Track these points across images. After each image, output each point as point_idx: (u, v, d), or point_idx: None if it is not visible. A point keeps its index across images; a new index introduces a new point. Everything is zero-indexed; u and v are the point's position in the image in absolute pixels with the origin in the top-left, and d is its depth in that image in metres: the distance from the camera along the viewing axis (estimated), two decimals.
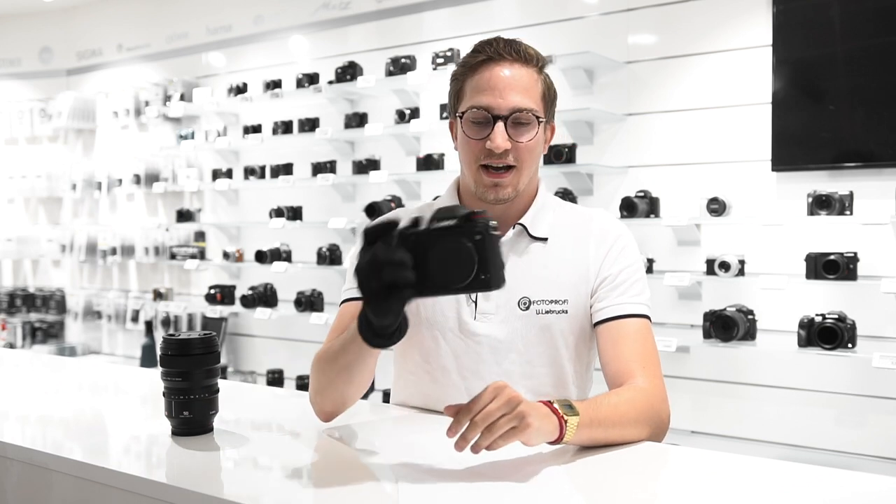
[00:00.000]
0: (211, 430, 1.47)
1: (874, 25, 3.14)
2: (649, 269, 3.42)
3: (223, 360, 4.97)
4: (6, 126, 6.18)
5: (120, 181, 5.61)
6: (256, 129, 4.80)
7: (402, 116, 4.17)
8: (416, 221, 1.20)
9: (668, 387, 1.53)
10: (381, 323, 1.22)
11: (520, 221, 1.61)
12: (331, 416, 1.51)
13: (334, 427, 1.51)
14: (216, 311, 4.77)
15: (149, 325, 5.28)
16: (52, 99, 6.03)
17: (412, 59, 4.16)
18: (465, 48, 1.61)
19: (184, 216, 5.15)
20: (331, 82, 4.37)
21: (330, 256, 4.31)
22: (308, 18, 4.80)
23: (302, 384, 4.29)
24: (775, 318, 3.32)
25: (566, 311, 1.57)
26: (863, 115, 3.18)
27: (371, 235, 1.20)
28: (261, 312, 4.43)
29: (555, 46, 3.67)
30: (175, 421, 1.44)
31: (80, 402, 1.84)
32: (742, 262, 3.25)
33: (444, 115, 3.92)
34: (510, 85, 1.51)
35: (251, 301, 4.48)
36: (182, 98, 5.17)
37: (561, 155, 3.61)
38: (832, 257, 3.03)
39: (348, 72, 4.32)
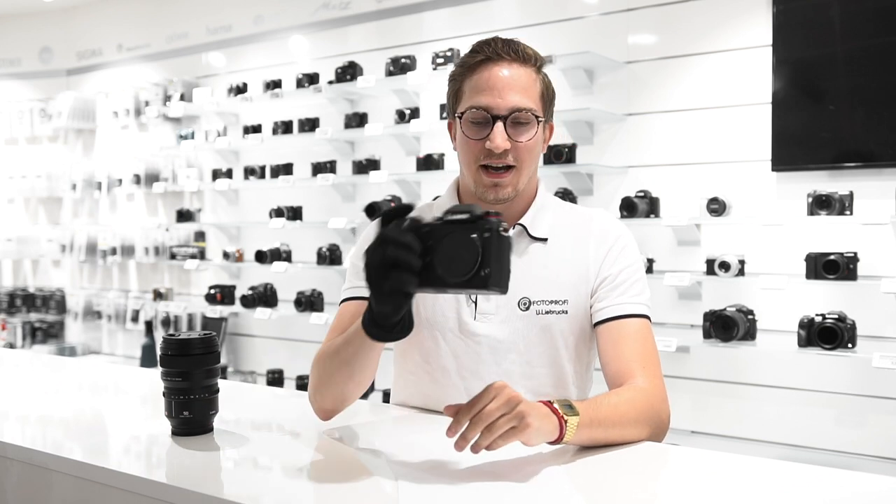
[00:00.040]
0: (211, 430, 1.47)
1: (874, 25, 3.14)
2: (649, 269, 3.42)
3: (223, 360, 4.98)
4: (6, 126, 6.18)
5: (120, 181, 5.61)
6: (256, 129, 4.81)
7: (402, 116, 4.17)
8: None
9: (668, 387, 1.53)
10: (380, 309, 1.22)
11: (519, 222, 1.61)
12: (330, 415, 1.51)
13: (334, 427, 1.51)
14: (216, 311, 4.77)
15: (149, 325, 5.28)
16: (52, 99, 6.03)
17: (412, 59, 4.16)
18: (465, 48, 1.60)
19: (184, 216, 5.15)
20: (331, 82, 4.37)
21: (330, 256, 4.31)
22: (308, 18, 4.80)
23: (302, 384, 4.29)
24: (775, 318, 3.32)
25: (566, 312, 1.57)
26: (863, 115, 3.18)
27: (387, 217, 1.22)
28: (261, 312, 4.44)
29: (555, 46, 3.67)
30: (175, 421, 1.44)
31: (80, 402, 1.84)
32: (742, 262, 3.25)
33: (444, 115, 3.92)
34: (509, 85, 1.51)
35: (251, 301, 4.48)
36: (182, 98, 5.17)
37: (561, 155, 3.62)
38: (832, 257, 3.03)
39: (348, 72, 4.32)
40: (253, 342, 5.07)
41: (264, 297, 4.50)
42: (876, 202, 3.08)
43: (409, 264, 1.17)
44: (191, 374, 1.41)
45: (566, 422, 1.27)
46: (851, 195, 3.05)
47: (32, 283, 6.35)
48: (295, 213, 4.55)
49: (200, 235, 5.27)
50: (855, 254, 3.02)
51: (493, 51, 1.52)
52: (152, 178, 5.41)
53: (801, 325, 3.01)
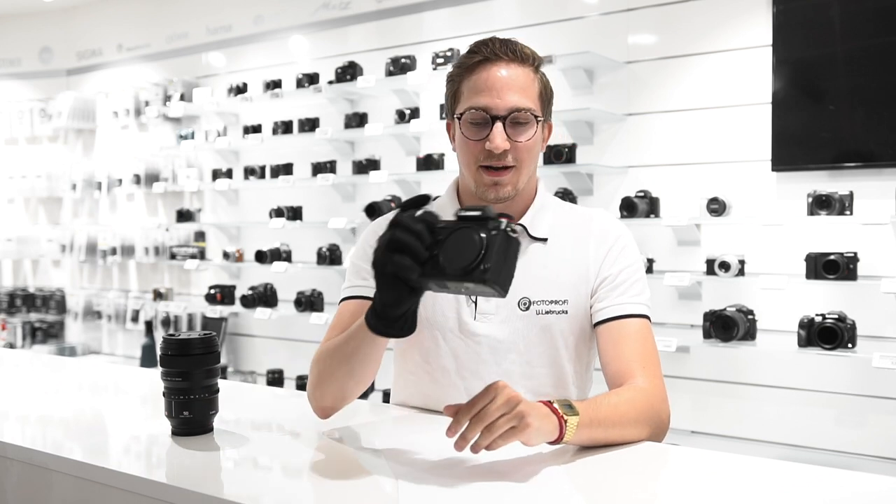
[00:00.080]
0: (211, 430, 1.47)
1: (874, 25, 3.14)
2: (649, 269, 3.42)
3: (223, 360, 4.98)
4: (6, 126, 6.18)
5: (120, 181, 5.61)
6: (256, 129, 4.81)
7: (402, 116, 4.17)
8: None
9: (668, 387, 1.53)
10: (382, 298, 1.22)
11: (519, 222, 1.61)
12: (328, 413, 1.50)
13: (334, 427, 1.51)
14: (216, 311, 4.77)
15: (149, 325, 5.28)
16: (52, 99, 6.03)
17: (412, 59, 4.16)
18: (465, 48, 1.60)
19: (184, 216, 5.15)
20: (331, 82, 4.37)
21: (330, 256, 4.31)
22: (308, 18, 4.80)
23: (302, 384, 4.29)
24: (775, 318, 3.32)
25: (566, 312, 1.57)
26: (863, 115, 3.18)
27: (406, 205, 1.23)
28: (261, 312, 4.44)
29: (555, 46, 3.67)
30: (175, 421, 1.44)
31: (80, 402, 1.84)
32: (742, 262, 3.25)
33: (444, 115, 3.91)
34: (507, 85, 1.51)
35: (251, 301, 4.48)
36: (182, 98, 5.17)
37: (561, 155, 3.62)
38: (832, 257, 3.03)
39: (348, 72, 4.32)
40: (253, 342, 5.07)
41: (264, 297, 4.50)
42: (876, 202, 3.08)
43: (414, 250, 1.17)
44: (191, 374, 1.41)
45: (566, 422, 1.27)
46: (851, 195, 3.05)
47: (32, 283, 6.35)
48: (295, 213, 4.55)
49: (200, 235, 5.27)
50: (855, 254, 3.02)
51: (491, 51, 1.52)
52: (152, 178, 5.41)
53: (801, 325, 3.02)
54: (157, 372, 1.53)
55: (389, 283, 1.20)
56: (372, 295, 1.56)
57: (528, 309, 1.56)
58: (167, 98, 5.31)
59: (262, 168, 4.74)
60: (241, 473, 1.31)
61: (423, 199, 1.24)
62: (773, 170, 3.31)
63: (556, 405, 1.29)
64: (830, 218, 3.06)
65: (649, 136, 3.65)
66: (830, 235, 3.21)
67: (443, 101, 1.65)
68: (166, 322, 5.23)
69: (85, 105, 5.91)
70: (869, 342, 3.08)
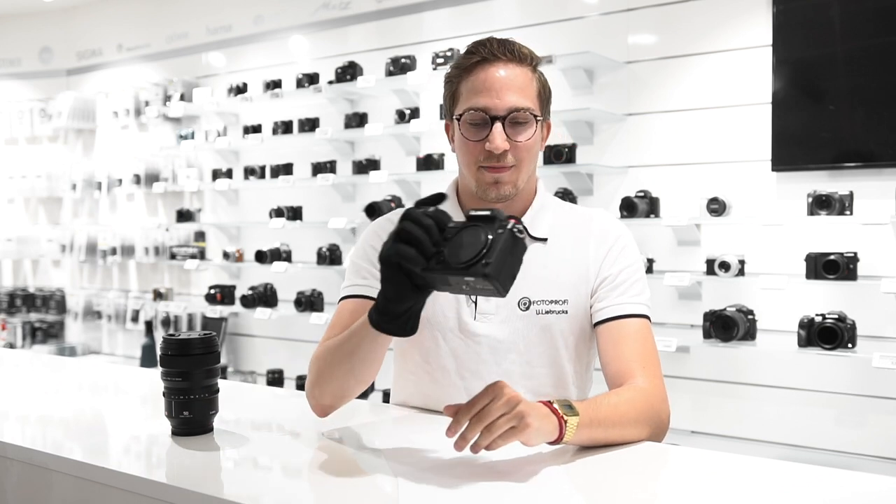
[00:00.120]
0: (211, 430, 1.47)
1: (874, 25, 3.14)
2: (649, 269, 3.42)
3: (223, 360, 4.98)
4: (6, 126, 6.18)
5: (120, 181, 5.61)
6: (256, 129, 4.81)
7: (402, 116, 4.17)
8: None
9: (668, 387, 1.53)
10: (386, 294, 1.22)
11: (508, 216, 1.61)
12: (327, 411, 1.49)
13: (334, 427, 1.51)
14: (216, 311, 4.77)
15: (149, 325, 5.28)
16: (52, 99, 6.03)
17: (412, 59, 4.16)
18: (464, 48, 1.60)
19: (184, 216, 5.15)
20: (331, 82, 4.37)
21: (330, 256, 4.31)
22: (308, 18, 4.80)
23: (302, 384, 4.29)
24: (775, 318, 3.32)
25: (566, 312, 1.57)
26: (863, 115, 3.18)
27: (420, 203, 1.25)
28: (261, 312, 4.44)
29: (555, 46, 3.67)
30: (175, 421, 1.44)
31: (80, 402, 1.84)
32: (742, 262, 3.25)
33: (443, 116, 3.91)
34: (506, 85, 1.51)
35: (251, 301, 4.48)
36: (182, 98, 5.17)
37: (561, 155, 3.62)
38: (832, 257, 3.03)
39: (348, 72, 4.32)
40: (253, 342, 5.07)
41: (264, 297, 4.50)
42: (876, 202, 3.08)
43: (421, 242, 1.18)
44: (191, 374, 1.41)
45: (566, 422, 1.27)
46: (851, 195, 3.05)
47: (32, 283, 6.35)
48: (295, 213, 4.55)
49: (200, 235, 5.27)
50: (855, 254, 3.02)
51: (489, 51, 1.52)
52: (152, 178, 5.41)
53: (801, 325, 3.02)
54: (157, 372, 1.53)
55: (393, 274, 1.20)
56: (372, 294, 1.57)
57: (528, 309, 1.56)
58: (167, 98, 5.31)
59: (262, 168, 4.74)
60: (241, 473, 1.31)
61: (439, 198, 1.26)
62: (773, 170, 3.31)
63: (555, 405, 1.29)
64: (830, 218, 3.06)
65: (649, 136, 3.65)
66: (830, 235, 3.21)
67: (443, 101, 1.65)
68: (166, 322, 5.23)
69: (85, 105, 5.91)
70: (869, 342, 3.08)
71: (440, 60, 3.94)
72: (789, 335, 3.14)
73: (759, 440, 3.37)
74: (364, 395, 1.68)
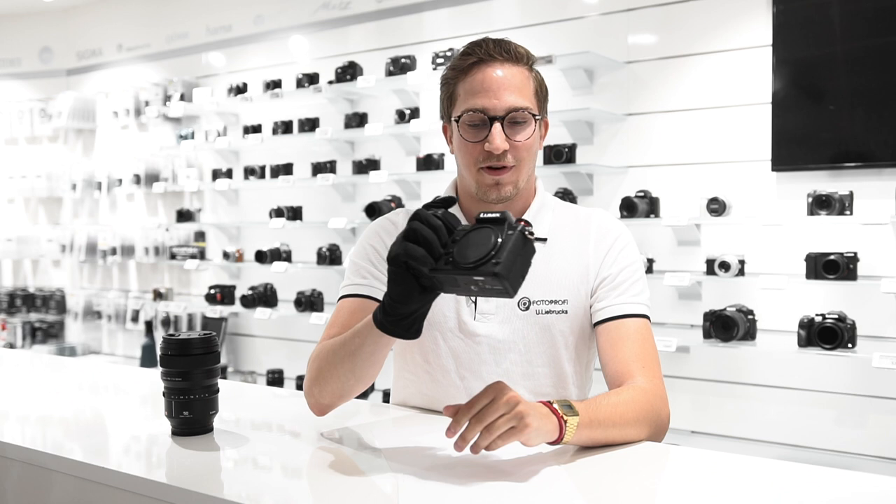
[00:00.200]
0: (211, 430, 1.47)
1: (874, 25, 3.14)
2: (649, 269, 3.42)
3: (223, 360, 4.98)
4: (6, 126, 6.18)
5: (120, 181, 5.61)
6: (256, 129, 4.81)
7: (402, 116, 4.17)
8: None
9: (668, 387, 1.53)
10: (392, 294, 1.22)
11: (518, 218, 1.61)
12: (325, 410, 1.49)
13: (334, 427, 1.51)
14: (216, 311, 4.77)
15: (149, 325, 5.28)
16: (52, 99, 6.03)
17: (412, 59, 4.16)
18: (460, 49, 1.60)
19: (184, 216, 5.15)
20: (331, 82, 4.37)
21: (330, 256, 4.31)
22: (308, 18, 4.80)
23: (302, 384, 4.28)
24: (775, 318, 3.32)
25: (566, 312, 1.57)
26: (863, 115, 3.18)
27: (429, 206, 1.26)
28: (261, 312, 4.44)
29: (555, 46, 3.68)
30: (175, 421, 1.44)
31: (80, 402, 1.84)
32: (742, 262, 3.25)
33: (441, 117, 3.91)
34: (504, 85, 1.51)
35: (251, 301, 4.48)
36: (182, 98, 5.17)
37: (561, 155, 3.62)
38: (832, 257, 3.03)
39: (348, 72, 4.33)
40: (253, 342, 5.08)
41: (264, 297, 4.50)
42: (876, 202, 3.09)
43: (430, 243, 1.19)
44: (191, 374, 1.41)
45: (566, 422, 1.27)
46: (851, 195, 3.05)
47: (32, 283, 6.35)
48: (295, 213, 4.55)
49: (200, 235, 5.27)
50: (855, 254, 3.02)
51: (486, 52, 1.52)
52: (152, 178, 5.41)
53: (801, 325, 3.02)
54: (157, 372, 1.53)
55: (401, 275, 1.20)
56: (371, 294, 1.58)
57: (527, 309, 1.56)
58: (167, 98, 5.31)
59: (262, 168, 4.74)
60: (241, 473, 1.31)
61: (448, 202, 1.27)
62: (773, 170, 3.31)
63: (555, 405, 1.29)
64: (830, 218, 3.06)
65: (649, 136, 3.66)
66: (830, 235, 3.21)
67: (440, 103, 1.64)
68: (166, 322, 5.23)
69: (85, 105, 5.91)
70: (869, 342, 3.08)
71: (440, 60, 3.94)
72: (789, 335, 3.14)
73: (759, 440, 3.37)
74: (364, 395, 1.67)
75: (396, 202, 4.12)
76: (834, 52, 3.22)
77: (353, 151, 4.59)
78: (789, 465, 1.29)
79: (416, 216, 1.22)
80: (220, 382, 1.49)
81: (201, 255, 5.12)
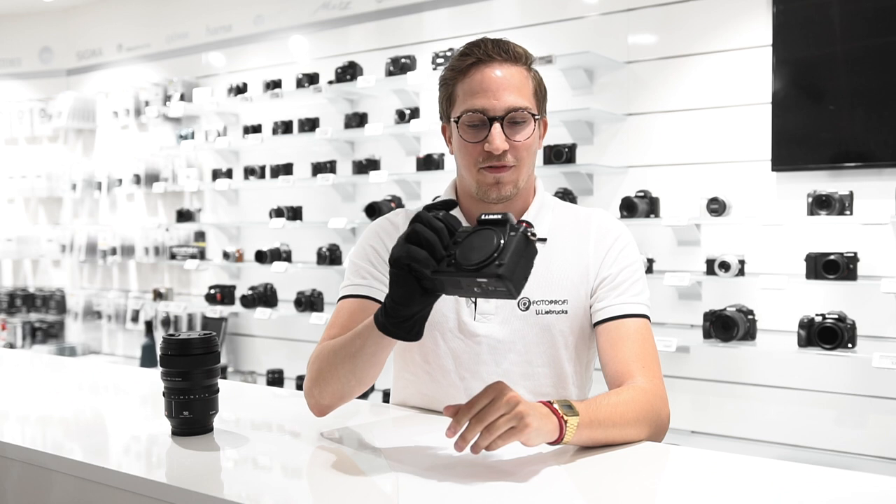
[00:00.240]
0: (211, 430, 1.47)
1: (874, 25, 3.14)
2: (649, 269, 3.42)
3: (223, 360, 4.98)
4: (6, 126, 6.18)
5: (120, 181, 5.61)
6: (256, 129, 4.81)
7: (402, 116, 4.17)
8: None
9: (668, 387, 1.53)
10: (394, 296, 1.22)
11: (520, 220, 1.61)
12: (325, 411, 1.49)
13: (334, 427, 1.51)
14: (216, 311, 4.77)
15: (149, 325, 5.28)
16: (52, 99, 6.03)
17: (412, 59, 4.16)
18: (458, 50, 1.60)
19: (184, 216, 5.15)
20: (331, 82, 4.37)
21: (330, 256, 4.31)
22: (308, 18, 4.80)
23: (302, 384, 4.28)
24: (775, 318, 3.32)
25: (566, 312, 1.57)
26: (863, 115, 3.18)
27: (430, 208, 1.25)
28: (261, 312, 4.44)
29: (555, 46, 3.68)
30: (175, 421, 1.44)
31: (80, 402, 1.84)
32: (742, 262, 3.25)
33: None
34: (503, 85, 1.51)
35: (251, 301, 4.48)
36: (182, 98, 5.17)
37: (561, 155, 3.62)
38: (832, 257, 3.03)
39: (348, 72, 4.32)
40: (253, 342, 5.08)
41: (264, 297, 4.50)
42: (876, 202, 3.09)
43: (432, 245, 1.19)
44: (191, 374, 1.42)
45: (566, 422, 1.27)
46: (851, 195, 3.05)
47: (32, 283, 6.35)
48: (295, 213, 4.55)
49: (200, 235, 5.27)
50: (855, 254, 3.02)
51: (484, 52, 1.52)
52: (152, 178, 5.41)
53: (801, 325, 3.02)
54: (157, 372, 1.53)
55: (403, 277, 1.20)
56: (371, 294, 1.58)
57: (527, 309, 1.56)
58: (167, 98, 5.31)
59: (262, 168, 4.74)
60: (241, 473, 1.31)
61: (449, 205, 1.27)
62: (773, 170, 3.31)
63: (555, 405, 1.29)
64: (830, 218, 3.06)
65: (649, 136, 3.65)
66: (830, 235, 3.21)
67: (439, 104, 1.64)
68: (166, 322, 5.23)
69: (85, 105, 5.91)
70: (869, 342, 3.08)
71: (440, 60, 3.94)
72: (789, 335, 3.14)
73: (759, 440, 3.37)
74: (364, 396, 1.67)
75: (396, 202, 4.12)
76: (834, 52, 3.22)
77: (353, 151, 4.59)
78: (789, 465, 1.29)
79: (417, 218, 1.22)
80: (220, 382, 1.49)
81: (201, 255, 5.12)
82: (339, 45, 4.65)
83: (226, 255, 4.86)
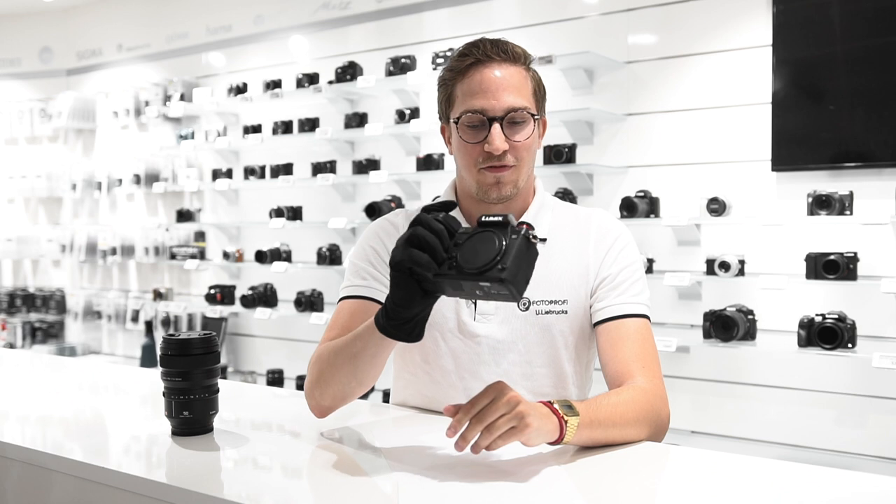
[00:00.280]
0: (211, 430, 1.47)
1: (874, 25, 3.14)
2: (649, 269, 3.42)
3: (223, 360, 4.98)
4: (6, 126, 6.18)
5: (120, 181, 5.61)
6: (256, 129, 4.81)
7: (402, 116, 4.17)
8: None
9: (668, 387, 1.53)
10: (395, 299, 1.22)
11: (520, 221, 1.61)
12: (326, 412, 1.49)
13: (334, 427, 1.51)
14: (216, 311, 4.77)
15: (149, 325, 5.28)
16: (52, 99, 6.03)
17: (412, 59, 4.16)
18: (456, 50, 1.60)
19: (184, 216, 5.15)
20: (331, 82, 4.37)
21: (330, 256, 4.31)
22: (308, 18, 4.80)
23: (302, 384, 4.29)
24: (775, 318, 3.32)
25: (566, 312, 1.57)
26: (863, 115, 3.18)
27: (428, 209, 1.25)
28: (261, 312, 4.44)
29: (555, 46, 3.68)
30: (175, 421, 1.44)
31: (80, 402, 1.84)
32: (742, 262, 3.25)
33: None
34: (502, 86, 1.50)
35: (251, 301, 4.48)
36: (182, 98, 5.17)
37: (561, 155, 3.62)
38: (832, 257, 3.03)
39: (348, 72, 4.33)
40: (253, 342, 5.08)
41: (264, 297, 4.50)
42: (876, 202, 3.09)
43: (433, 248, 1.18)
44: (191, 374, 1.41)
45: (566, 422, 1.27)
46: (851, 195, 3.05)
47: (32, 283, 6.35)
48: (295, 213, 4.55)
49: (200, 235, 5.27)
50: (855, 254, 3.02)
51: (483, 52, 1.52)
52: (152, 178, 5.41)
53: (801, 325, 3.02)
54: (157, 372, 1.53)
55: (404, 279, 1.20)
56: (371, 295, 1.57)
57: (527, 309, 1.55)
58: (167, 98, 5.31)
59: (262, 168, 4.74)
60: (241, 473, 1.31)
61: (448, 206, 1.26)
62: (773, 170, 3.31)
63: (556, 405, 1.29)
64: (830, 218, 3.06)
65: (649, 136, 3.65)
66: (830, 235, 3.21)
67: (438, 105, 1.64)
68: (166, 322, 5.23)
69: (85, 105, 5.91)
70: (869, 342, 3.08)
71: (440, 60, 3.94)
72: (789, 335, 3.14)
73: (759, 440, 3.37)
74: (364, 396, 1.67)
75: (396, 202, 4.12)
76: (834, 52, 3.22)
77: (353, 151, 4.59)
78: (789, 465, 1.29)
79: (417, 221, 1.21)
80: (220, 382, 1.49)
81: (201, 255, 5.12)
82: (339, 45, 4.65)
83: (226, 255, 4.86)
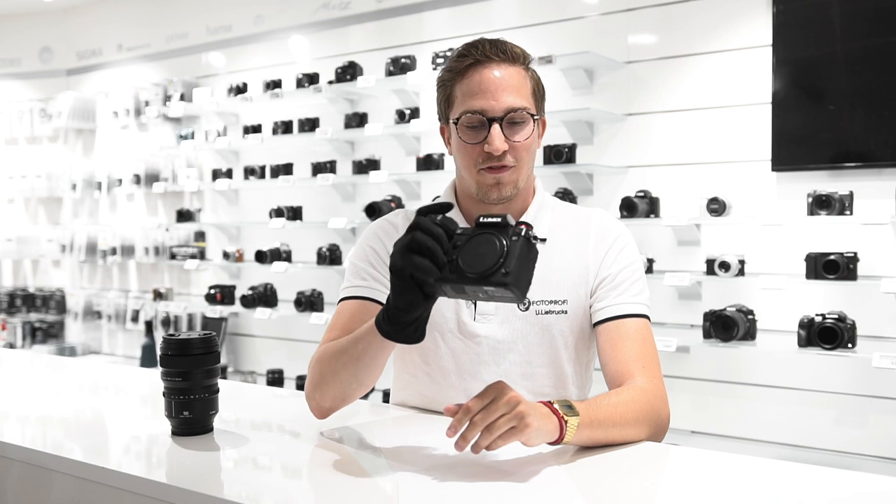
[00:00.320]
0: (211, 430, 1.47)
1: (874, 25, 3.14)
2: (649, 269, 3.42)
3: (223, 360, 4.98)
4: (6, 126, 6.18)
5: (120, 181, 5.61)
6: (256, 129, 4.81)
7: (402, 116, 4.17)
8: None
9: (668, 387, 1.53)
10: (396, 301, 1.22)
11: (519, 221, 1.61)
12: (326, 413, 1.49)
13: (334, 427, 1.51)
14: (216, 311, 4.77)
15: (149, 325, 5.28)
16: (52, 99, 6.03)
17: (412, 59, 4.16)
18: (455, 51, 1.60)
19: (184, 216, 5.15)
20: (331, 82, 4.37)
21: (330, 256, 4.31)
22: (308, 18, 4.80)
23: (302, 384, 4.29)
24: (775, 318, 3.32)
25: (566, 312, 1.57)
26: (863, 115, 3.18)
27: (424, 212, 1.24)
28: (261, 312, 4.44)
29: (555, 46, 3.68)
30: (175, 421, 1.44)
31: (80, 402, 1.84)
32: (742, 262, 3.25)
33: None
34: (501, 86, 1.50)
35: (251, 301, 4.48)
36: (182, 98, 5.17)
37: (561, 155, 3.62)
38: (832, 257, 3.03)
39: (348, 72, 4.33)
40: (253, 342, 5.08)
41: (264, 297, 4.50)
42: (876, 202, 3.09)
43: (434, 253, 1.18)
44: (191, 374, 1.41)
45: (566, 422, 1.27)
46: (851, 195, 3.05)
47: (32, 283, 6.35)
48: (295, 213, 4.55)
49: (200, 235, 5.27)
50: (855, 254, 3.02)
51: (482, 53, 1.52)
52: (152, 178, 5.41)
53: (801, 325, 3.02)
54: (157, 372, 1.53)
55: (406, 285, 1.20)
56: (371, 295, 1.57)
57: (527, 309, 1.56)
58: (167, 98, 5.31)
59: (262, 168, 4.74)
60: (241, 473, 1.31)
61: (445, 208, 1.25)
62: (773, 170, 3.31)
63: (556, 405, 1.29)
64: (830, 218, 3.06)
65: (649, 136, 3.65)
66: (830, 235, 3.21)
67: (437, 105, 1.64)
68: (166, 322, 5.23)
69: (85, 105, 5.91)
70: (869, 342, 3.08)
71: (440, 60, 3.94)
72: (789, 335, 3.14)
73: (759, 440, 3.37)
74: (364, 396, 1.67)
75: (396, 202, 4.12)
76: (834, 52, 3.22)
77: (353, 151, 4.59)
78: (789, 465, 1.29)
79: (416, 225, 1.21)
80: (220, 382, 1.49)
81: (201, 255, 5.12)
82: (339, 45, 4.65)
83: (226, 255, 4.86)
